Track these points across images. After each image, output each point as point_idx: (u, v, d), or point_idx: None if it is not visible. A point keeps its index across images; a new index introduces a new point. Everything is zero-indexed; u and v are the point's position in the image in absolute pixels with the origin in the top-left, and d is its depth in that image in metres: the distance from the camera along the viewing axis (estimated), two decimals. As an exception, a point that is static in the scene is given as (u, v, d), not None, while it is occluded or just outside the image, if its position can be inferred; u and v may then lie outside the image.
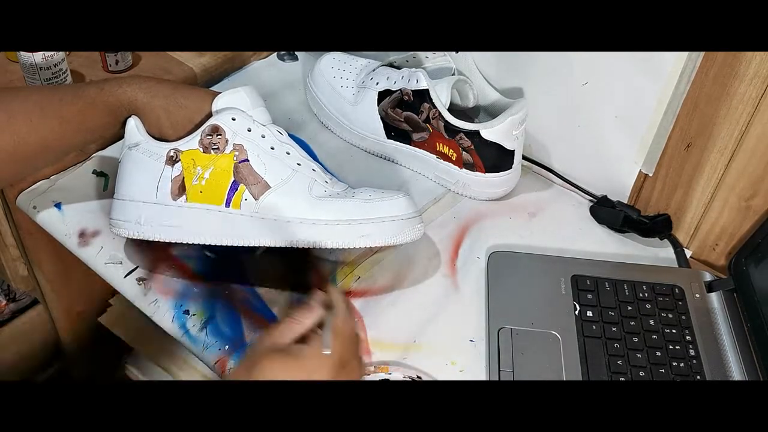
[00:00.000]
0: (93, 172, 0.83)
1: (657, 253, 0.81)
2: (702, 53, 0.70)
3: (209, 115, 0.69)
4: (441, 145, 0.82)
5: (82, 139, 0.69)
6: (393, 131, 0.86)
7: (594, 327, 0.71)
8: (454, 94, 0.84)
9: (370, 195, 0.70)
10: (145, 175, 0.69)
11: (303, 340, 0.58)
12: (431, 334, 0.71)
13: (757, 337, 0.70)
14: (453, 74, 0.85)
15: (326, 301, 0.61)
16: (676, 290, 0.75)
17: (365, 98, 0.86)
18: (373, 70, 0.88)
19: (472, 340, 0.71)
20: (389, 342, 0.70)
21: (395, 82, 0.83)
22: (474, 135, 0.79)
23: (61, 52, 0.81)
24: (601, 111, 0.79)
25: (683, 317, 0.72)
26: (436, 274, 0.77)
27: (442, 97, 0.80)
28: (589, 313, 0.72)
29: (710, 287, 0.76)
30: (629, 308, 0.73)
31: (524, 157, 0.86)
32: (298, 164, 0.70)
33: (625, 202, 0.83)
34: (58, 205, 0.79)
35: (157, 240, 0.69)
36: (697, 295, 0.75)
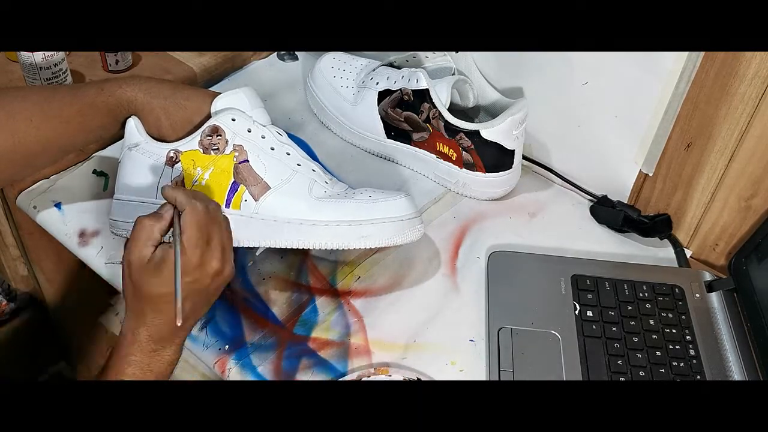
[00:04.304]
0: (93, 172, 0.83)
1: (657, 253, 0.81)
2: (702, 53, 0.70)
3: (208, 116, 0.69)
4: (441, 144, 0.82)
5: (81, 139, 0.69)
6: (393, 131, 0.86)
7: (594, 327, 0.71)
8: (454, 94, 0.84)
9: (370, 195, 0.70)
10: (145, 175, 0.69)
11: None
12: (431, 334, 0.71)
13: (757, 337, 0.70)
14: (453, 74, 0.85)
15: (170, 197, 0.61)
16: (676, 290, 0.75)
17: (365, 98, 0.86)
18: (373, 70, 0.88)
19: (472, 340, 0.71)
20: (389, 342, 0.70)
21: (395, 82, 0.83)
22: (474, 135, 0.79)
23: (61, 52, 0.81)
24: (601, 111, 0.79)
25: (683, 317, 0.72)
26: (436, 274, 0.77)
27: (442, 97, 0.80)
28: (589, 313, 0.72)
29: (710, 287, 0.76)
30: (629, 308, 0.73)
31: (524, 157, 0.86)
32: (298, 165, 0.70)
33: (625, 202, 0.83)
34: (58, 205, 0.79)
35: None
36: (697, 295, 0.75)
